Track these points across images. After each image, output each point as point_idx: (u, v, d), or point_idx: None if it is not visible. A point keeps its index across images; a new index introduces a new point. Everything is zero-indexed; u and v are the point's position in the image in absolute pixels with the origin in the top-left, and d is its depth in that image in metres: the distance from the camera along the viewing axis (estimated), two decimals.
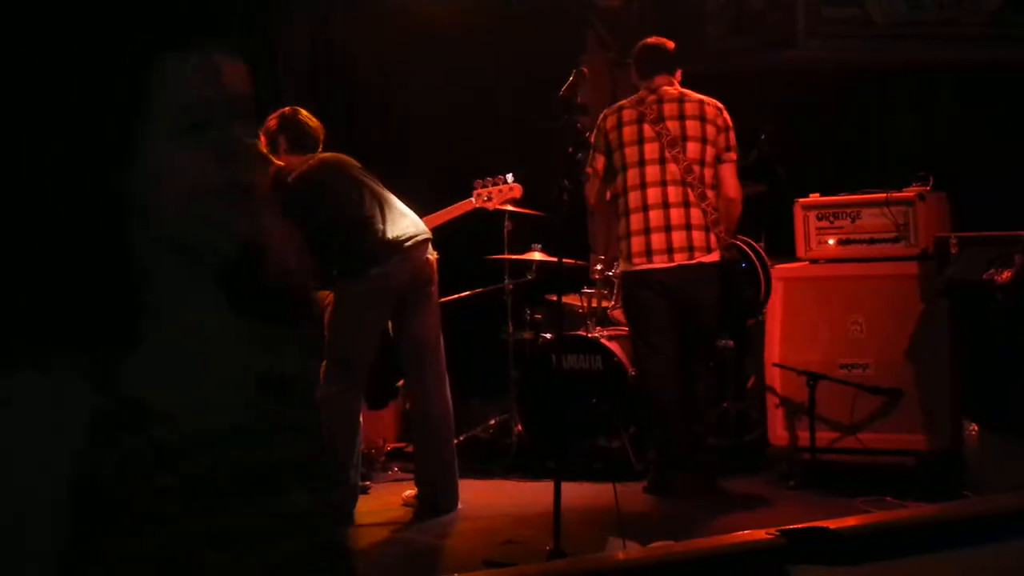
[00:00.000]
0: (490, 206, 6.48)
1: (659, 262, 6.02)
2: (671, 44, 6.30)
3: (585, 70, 5.85)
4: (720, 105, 6.17)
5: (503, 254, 7.03)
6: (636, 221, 6.07)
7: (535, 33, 7.98)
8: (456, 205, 6.45)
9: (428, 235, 5.83)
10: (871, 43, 7.60)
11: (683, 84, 6.35)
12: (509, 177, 6.41)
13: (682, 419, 6.09)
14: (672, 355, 6.12)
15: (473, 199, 6.44)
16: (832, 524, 2.33)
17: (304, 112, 6.12)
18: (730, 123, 6.16)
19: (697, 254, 6.03)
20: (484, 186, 6.43)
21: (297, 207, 5.64)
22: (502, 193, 6.43)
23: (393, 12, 7.93)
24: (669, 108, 6.12)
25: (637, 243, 6.06)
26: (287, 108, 6.16)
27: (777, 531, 2.31)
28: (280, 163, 5.82)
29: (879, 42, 7.58)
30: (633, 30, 8.23)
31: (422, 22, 7.82)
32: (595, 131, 6.25)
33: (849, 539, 2.30)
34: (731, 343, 6.84)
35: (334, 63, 8.10)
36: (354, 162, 5.86)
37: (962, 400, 5.81)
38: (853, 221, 6.33)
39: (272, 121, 6.12)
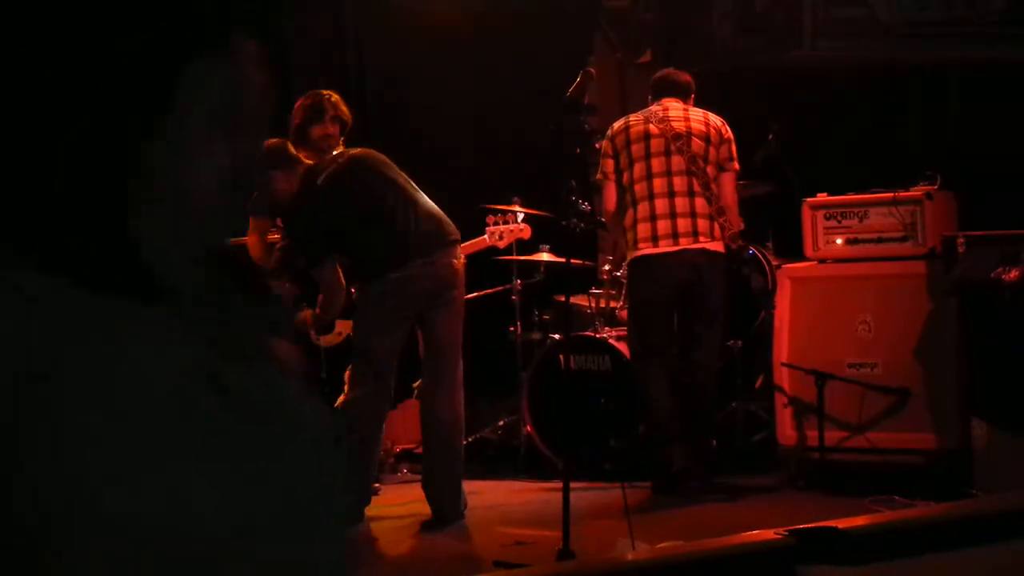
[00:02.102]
0: (501, 244, 6.63)
1: (664, 246, 6.11)
2: (687, 77, 6.45)
3: (592, 71, 5.87)
4: (723, 120, 6.31)
5: (511, 255, 7.05)
6: (642, 210, 6.16)
7: (542, 34, 7.99)
8: (471, 243, 6.47)
9: (456, 238, 5.81)
10: (878, 43, 7.60)
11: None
12: (519, 216, 6.59)
13: (672, 402, 6.17)
14: (666, 351, 6.22)
15: (487, 237, 6.55)
16: (841, 524, 2.34)
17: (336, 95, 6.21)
18: (732, 138, 6.27)
19: (702, 239, 6.12)
20: (496, 223, 6.57)
21: (326, 209, 5.66)
22: (512, 233, 6.58)
23: (401, 14, 7.95)
24: (675, 114, 6.26)
25: (643, 230, 6.14)
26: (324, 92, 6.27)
27: (786, 531, 2.31)
28: (309, 162, 5.83)
29: (886, 42, 7.58)
30: (640, 31, 8.24)
31: (430, 23, 7.84)
32: (604, 141, 6.36)
33: (858, 539, 2.30)
34: (739, 343, 6.84)
35: (345, 65, 8.12)
36: (385, 159, 5.87)
37: (970, 399, 5.81)
38: (861, 220, 6.33)
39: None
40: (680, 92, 6.39)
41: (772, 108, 7.31)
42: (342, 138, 6.31)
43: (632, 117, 6.33)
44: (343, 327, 6.35)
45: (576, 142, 5.61)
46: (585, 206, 6.76)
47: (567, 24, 8.17)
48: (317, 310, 5.93)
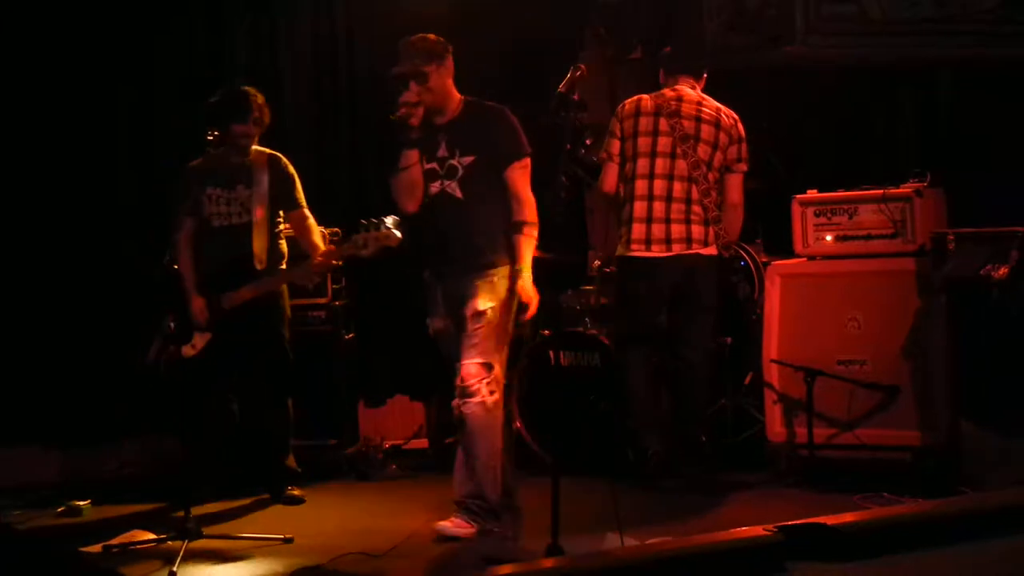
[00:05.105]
0: (366, 253, 5.68)
1: (657, 251, 6.13)
2: (700, 53, 6.53)
3: (583, 67, 5.86)
4: (736, 116, 6.32)
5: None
6: (640, 209, 6.17)
7: (533, 29, 7.97)
8: (331, 251, 6.04)
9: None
10: (870, 40, 7.60)
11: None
12: (389, 221, 5.57)
13: (652, 402, 6.24)
14: (651, 345, 6.25)
15: (346, 246, 5.73)
16: (830, 520, 2.34)
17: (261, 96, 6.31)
18: (744, 135, 6.28)
19: (695, 245, 6.14)
20: (366, 229, 5.63)
21: None
22: (378, 240, 5.61)
23: (392, 9, 7.93)
24: (687, 108, 6.25)
25: (638, 231, 6.16)
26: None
27: (775, 527, 2.32)
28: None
29: (877, 39, 7.57)
30: (631, 27, 8.23)
31: (420, 18, 7.81)
32: (612, 118, 6.35)
33: (846, 535, 2.31)
34: (728, 340, 6.85)
35: (336, 60, 8.10)
36: None
37: (959, 396, 5.82)
38: (851, 217, 6.34)
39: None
40: (695, 70, 6.39)
41: (763, 105, 7.30)
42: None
43: (644, 102, 6.29)
44: (200, 341, 6.16)
45: (566, 138, 5.60)
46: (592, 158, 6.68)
47: (558, 20, 8.15)
48: None
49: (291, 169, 6.38)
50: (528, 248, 5.30)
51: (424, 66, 5.37)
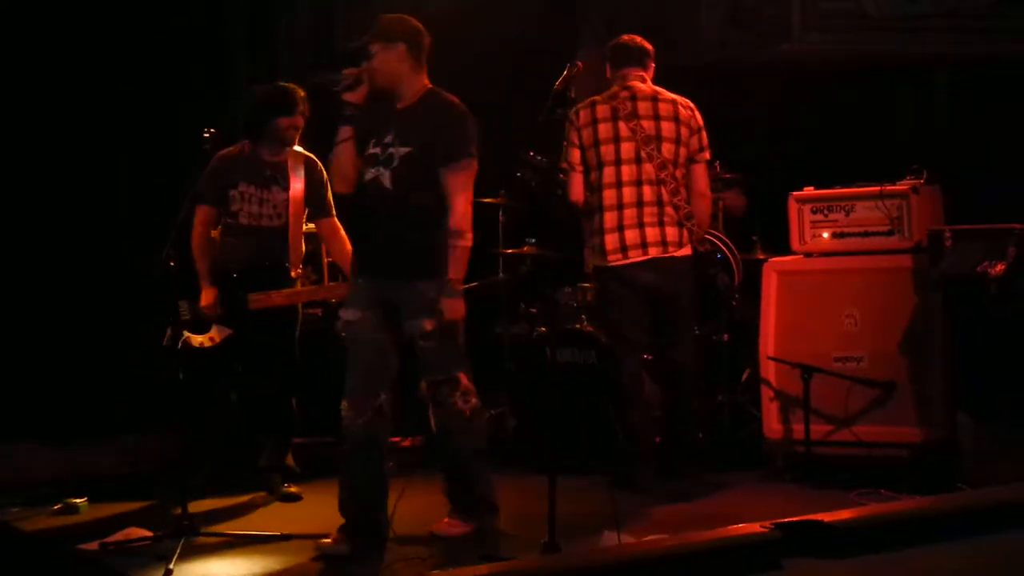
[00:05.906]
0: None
1: (634, 256, 6.07)
2: (645, 42, 6.30)
3: (580, 64, 5.85)
4: (692, 105, 6.20)
5: (497, 248, 7.02)
6: (610, 219, 6.10)
7: (530, 27, 7.97)
8: (332, 286, 6.22)
9: None
10: (867, 36, 7.61)
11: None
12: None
13: (649, 410, 6.19)
14: (643, 346, 6.23)
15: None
16: (827, 517, 2.34)
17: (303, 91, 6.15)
18: (702, 123, 6.18)
19: (671, 248, 6.09)
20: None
21: None
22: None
23: (392, 9, 7.92)
24: (643, 107, 6.13)
25: (611, 240, 6.09)
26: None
27: (772, 524, 2.31)
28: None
29: (875, 35, 7.59)
30: (628, 24, 8.23)
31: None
32: (567, 126, 6.19)
33: (843, 532, 2.31)
34: (726, 337, 6.85)
35: (335, 57, 8.09)
36: None
37: (956, 393, 5.82)
38: (847, 214, 6.34)
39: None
40: (641, 60, 6.24)
41: (760, 102, 7.31)
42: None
43: (598, 108, 6.14)
44: (219, 334, 6.03)
45: (563, 134, 5.60)
46: (540, 160, 6.62)
47: (555, 17, 8.15)
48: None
49: (325, 175, 6.13)
50: (452, 260, 5.00)
51: (370, 44, 5.19)
